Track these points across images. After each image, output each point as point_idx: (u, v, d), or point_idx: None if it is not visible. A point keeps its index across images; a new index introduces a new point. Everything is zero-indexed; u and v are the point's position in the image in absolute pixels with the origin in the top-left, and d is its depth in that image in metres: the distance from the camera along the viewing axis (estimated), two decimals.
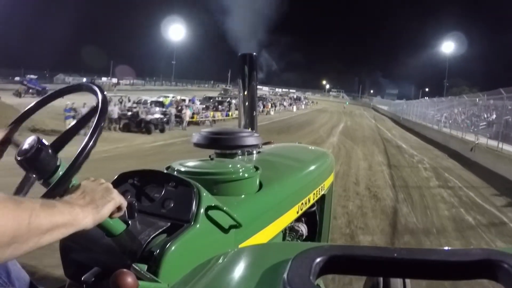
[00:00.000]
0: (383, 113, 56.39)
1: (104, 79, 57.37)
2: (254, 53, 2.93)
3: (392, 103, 60.14)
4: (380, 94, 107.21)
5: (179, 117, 19.68)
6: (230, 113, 25.22)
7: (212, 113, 22.96)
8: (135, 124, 16.69)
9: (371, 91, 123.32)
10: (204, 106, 25.57)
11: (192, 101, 26.21)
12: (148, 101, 21.90)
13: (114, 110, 16.98)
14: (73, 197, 0.86)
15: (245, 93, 2.87)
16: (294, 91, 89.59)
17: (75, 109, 15.07)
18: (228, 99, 32.23)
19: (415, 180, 9.49)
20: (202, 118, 22.10)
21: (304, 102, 59.23)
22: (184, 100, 24.84)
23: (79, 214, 0.80)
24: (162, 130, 17.13)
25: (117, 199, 0.93)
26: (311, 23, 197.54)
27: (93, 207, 0.85)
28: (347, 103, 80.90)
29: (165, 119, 17.80)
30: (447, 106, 25.73)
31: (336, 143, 16.19)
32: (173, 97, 25.64)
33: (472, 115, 22.40)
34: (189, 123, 20.82)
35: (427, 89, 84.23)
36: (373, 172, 10.12)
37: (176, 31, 75.89)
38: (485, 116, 20.15)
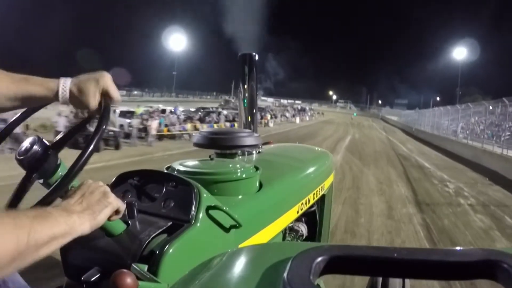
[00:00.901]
0: (393, 124, 53.16)
1: None
2: (254, 53, 2.91)
3: (402, 113, 58.56)
4: (389, 105, 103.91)
5: (145, 130, 16.04)
6: (215, 125, 21.47)
7: (190, 125, 19.18)
8: (82, 138, 13.07)
9: (380, 102, 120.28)
10: (186, 116, 22.02)
11: (174, 111, 22.71)
12: (117, 111, 18.33)
13: (59, 122, 13.63)
14: (70, 202, 0.84)
15: (245, 93, 2.86)
16: (300, 102, 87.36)
17: (5, 120, 11.66)
18: (219, 109, 28.85)
19: (469, 239, 5.53)
20: (176, 131, 18.38)
21: (309, 113, 56.32)
22: (164, 111, 21.33)
23: (76, 222, 0.79)
24: (116, 147, 13.44)
25: (115, 203, 0.91)
26: (318, 34, 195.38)
27: (90, 213, 0.84)
28: (355, 114, 78.46)
29: (119, 132, 14.14)
30: (462, 115, 23.53)
31: (340, 164, 12.28)
32: (150, 107, 22.15)
33: (491, 124, 20.50)
34: (162, 137, 17.20)
35: (438, 98, 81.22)
36: (395, 223, 6.11)
37: (177, 41, 72.98)
38: (508, 125, 17.50)
